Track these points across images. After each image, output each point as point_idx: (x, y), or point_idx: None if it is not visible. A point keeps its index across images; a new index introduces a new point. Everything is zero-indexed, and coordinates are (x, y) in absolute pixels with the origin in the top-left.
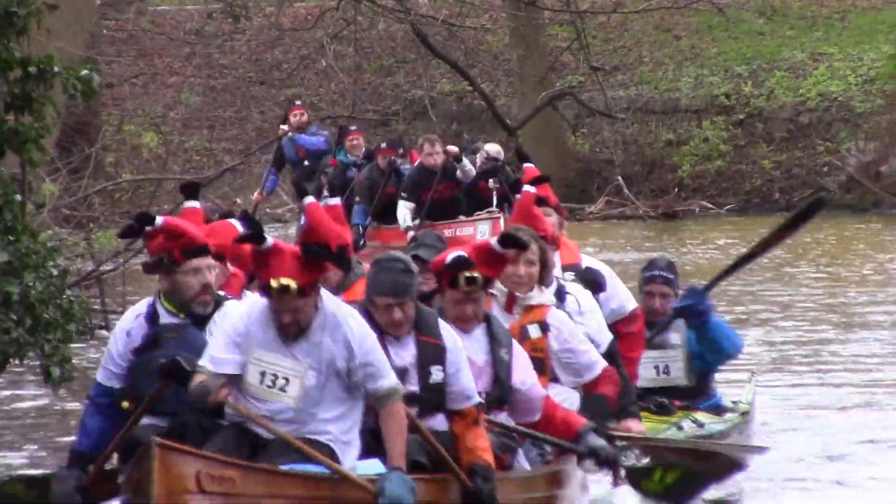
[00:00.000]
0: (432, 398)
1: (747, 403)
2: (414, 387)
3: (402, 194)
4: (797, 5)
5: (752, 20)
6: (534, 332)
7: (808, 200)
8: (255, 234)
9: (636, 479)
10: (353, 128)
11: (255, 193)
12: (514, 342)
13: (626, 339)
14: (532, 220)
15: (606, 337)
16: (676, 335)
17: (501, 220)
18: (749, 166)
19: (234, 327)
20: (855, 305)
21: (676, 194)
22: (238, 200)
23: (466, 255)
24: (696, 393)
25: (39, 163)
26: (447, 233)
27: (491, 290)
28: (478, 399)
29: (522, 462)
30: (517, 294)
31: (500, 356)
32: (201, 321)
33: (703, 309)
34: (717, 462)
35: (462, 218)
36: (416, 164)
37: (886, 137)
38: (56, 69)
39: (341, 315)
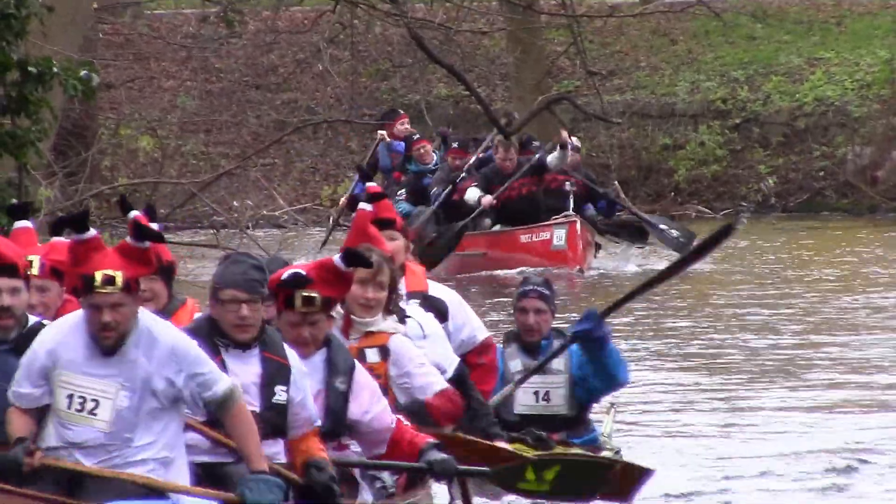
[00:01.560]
0: (272, 419)
1: (607, 437)
2: (254, 406)
3: (474, 184)
4: (793, 10)
5: (748, 25)
6: (372, 356)
7: (720, 226)
8: (76, 219)
9: (509, 481)
10: (416, 136)
11: (342, 199)
12: (360, 369)
13: (477, 370)
14: (368, 242)
15: (452, 361)
16: (559, 360)
17: (578, 224)
18: (745, 171)
19: (37, 354)
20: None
21: (672, 199)
22: (235, 204)
23: (304, 272)
24: (576, 424)
25: (36, 166)
26: (523, 238)
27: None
28: (318, 423)
29: (366, 497)
30: (355, 318)
31: (336, 386)
32: (19, 346)
33: (601, 335)
34: (603, 465)
35: (541, 222)
36: (491, 164)
37: (883, 142)
38: (55, 70)
39: (157, 330)
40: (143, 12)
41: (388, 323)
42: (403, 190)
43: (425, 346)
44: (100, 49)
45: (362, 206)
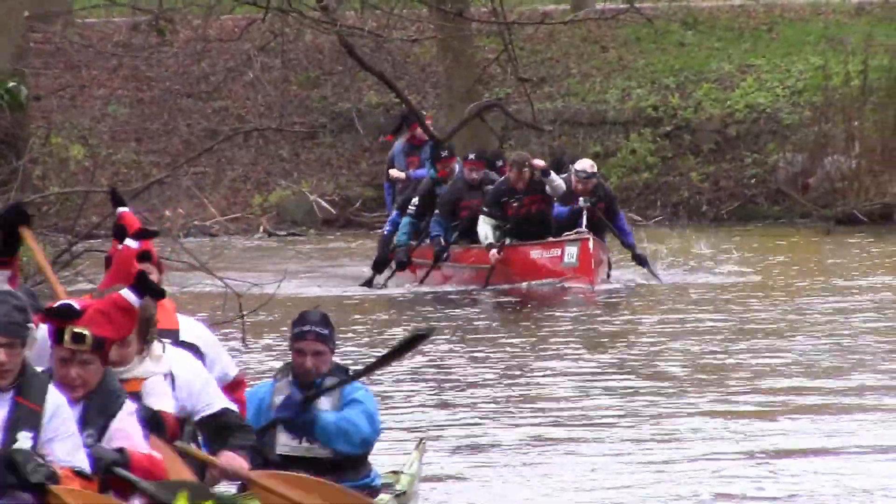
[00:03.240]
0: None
1: (411, 475)
2: None
3: (484, 209)
4: (724, 16)
5: (679, 31)
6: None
7: (415, 332)
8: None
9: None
10: (446, 152)
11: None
12: (125, 412)
13: None
14: (130, 280)
15: (215, 398)
16: (327, 399)
17: (591, 242)
18: (677, 178)
19: None
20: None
21: None
22: (167, 213)
23: (77, 304)
24: (346, 467)
25: None
26: (533, 254)
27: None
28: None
29: None
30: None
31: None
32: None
33: (304, 422)
34: None
35: (550, 239)
36: (502, 178)
37: (814, 149)
38: None
39: None
40: (75, 21)
41: (144, 367)
42: (417, 199)
43: (180, 384)
44: (31, 58)
45: (128, 242)
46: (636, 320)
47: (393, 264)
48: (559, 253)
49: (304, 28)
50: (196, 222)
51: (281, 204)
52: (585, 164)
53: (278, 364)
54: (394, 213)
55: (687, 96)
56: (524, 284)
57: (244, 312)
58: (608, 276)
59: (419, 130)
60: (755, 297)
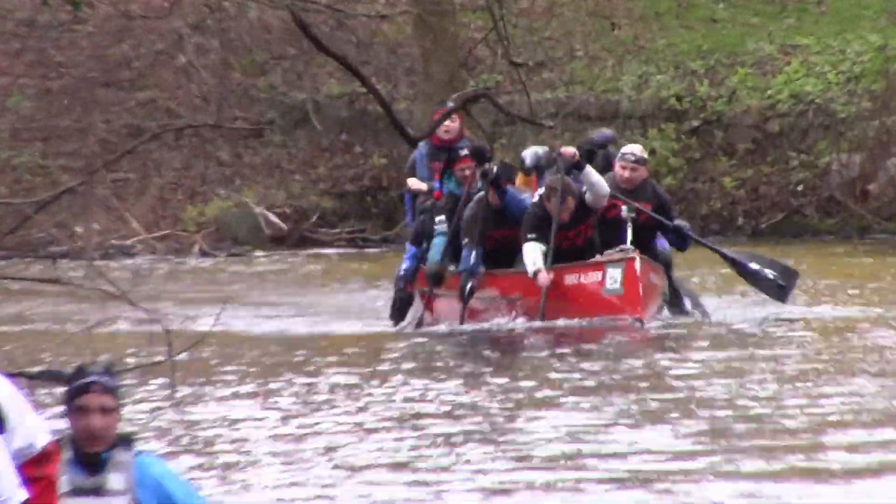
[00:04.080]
0: None
1: None
2: None
3: (529, 236)
4: None
5: (708, 5)
6: None
7: None
8: None
9: None
10: (464, 152)
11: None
12: None
13: (36, 485)
14: None
15: (10, 487)
16: (119, 476)
17: (637, 262)
18: (706, 184)
19: None
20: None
21: None
22: (78, 230)
23: None
24: None
25: None
26: (569, 279)
27: None
28: None
29: None
30: None
31: None
32: None
33: None
34: None
35: (593, 259)
36: (534, 201)
37: (875, 148)
38: None
39: None
40: None
41: None
42: (443, 216)
43: None
44: None
45: None
46: (686, 361)
47: (419, 290)
48: (600, 277)
49: (248, 2)
50: (115, 241)
51: (220, 218)
52: (635, 148)
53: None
54: (409, 248)
55: (718, 84)
56: (559, 322)
57: (174, 353)
58: (661, 307)
59: (446, 127)
60: (811, 333)
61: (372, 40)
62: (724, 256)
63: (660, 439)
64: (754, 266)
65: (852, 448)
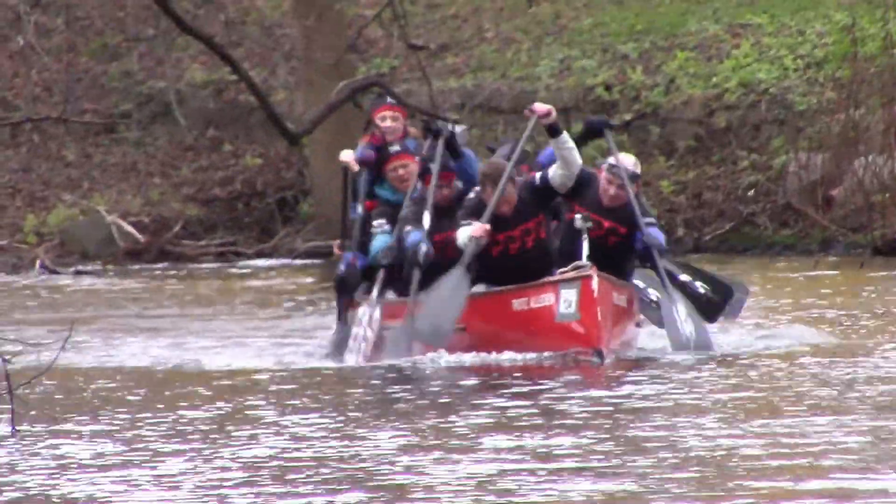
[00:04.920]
0: None
1: None
2: None
3: (464, 222)
4: None
5: None
6: None
7: None
8: None
9: None
10: (395, 148)
11: (335, 246)
12: None
13: None
14: None
15: None
16: None
17: (595, 281)
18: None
19: None
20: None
21: None
22: None
23: None
24: None
25: None
26: (516, 304)
27: None
28: None
29: None
30: None
31: None
32: None
33: None
34: None
35: (543, 279)
36: (473, 200)
37: (840, 147)
38: None
39: None
40: None
41: None
42: (382, 220)
43: None
44: None
45: None
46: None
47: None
48: (552, 300)
49: None
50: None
51: (65, 228)
52: (627, 160)
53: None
54: (346, 253)
55: (654, 71)
56: (503, 356)
57: (14, 386)
58: (638, 329)
59: (376, 121)
60: (762, 362)
61: (244, 19)
62: (658, 272)
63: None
64: (684, 277)
65: (801, 494)
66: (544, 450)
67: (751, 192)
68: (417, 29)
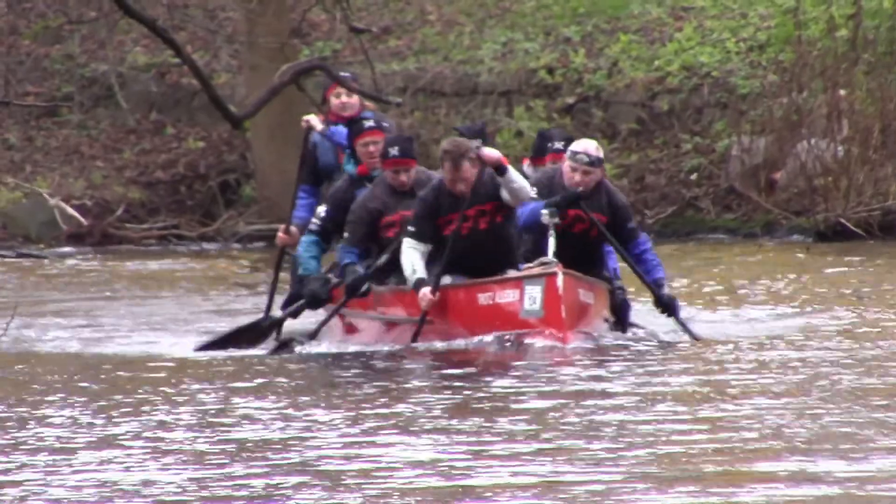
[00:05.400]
0: None
1: None
2: None
3: (409, 228)
4: None
5: None
6: None
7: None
8: None
9: None
10: (369, 123)
11: (280, 231)
12: None
13: None
14: None
15: None
16: None
17: (560, 278)
18: None
19: None
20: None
21: None
22: None
23: None
24: None
25: None
26: (482, 298)
27: None
28: None
29: None
30: None
31: None
32: None
33: None
34: None
35: (508, 273)
36: (433, 182)
37: (783, 130)
38: None
39: None
40: None
41: None
42: (322, 209)
43: None
44: None
45: None
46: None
47: (299, 303)
48: (516, 296)
49: None
50: None
51: (8, 211)
52: (588, 145)
53: None
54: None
55: (597, 54)
56: (463, 343)
57: None
58: (607, 325)
59: (332, 101)
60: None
61: (186, 2)
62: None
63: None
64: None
65: (757, 478)
66: (500, 433)
67: (693, 176)
68: (360, 12)
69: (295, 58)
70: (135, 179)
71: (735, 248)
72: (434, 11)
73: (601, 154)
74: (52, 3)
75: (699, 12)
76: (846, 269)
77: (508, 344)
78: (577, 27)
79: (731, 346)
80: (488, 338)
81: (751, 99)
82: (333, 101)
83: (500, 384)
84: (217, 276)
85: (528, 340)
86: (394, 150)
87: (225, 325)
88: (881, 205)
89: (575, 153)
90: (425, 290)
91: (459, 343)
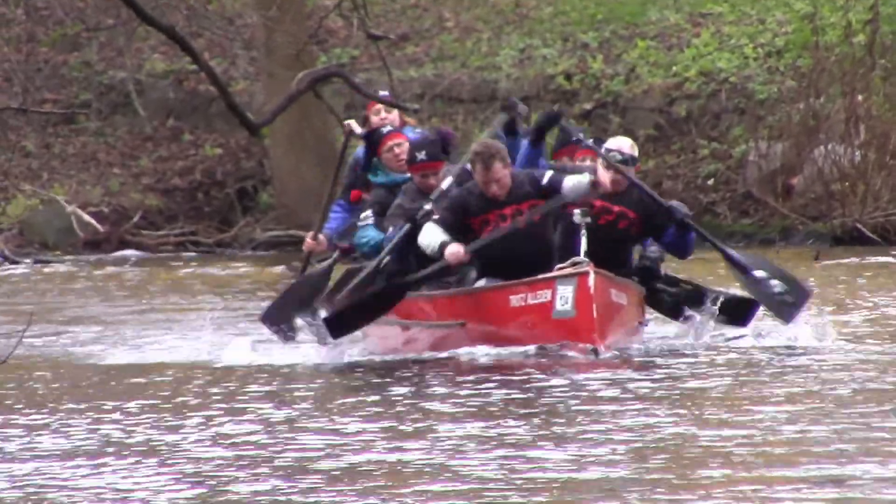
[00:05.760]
0: None
1: None
2: None
3: (434, 216)
4: None
5: None
6: None
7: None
8: None
9: None
10: (387, 128)
11: (308, 237)
12: None
13: None
14: None
15: None
16: None
17: (592, 278)
18: None
19: None
20: None
21: None
22: None
23: None
24: None
25: None
26: (514, 300)
27: None
28: None
29: None
30: None
31: None
32: None
33: None
34: None
35: (542, 275)
36: (468, 184)
37: (800, 135)
38: None
39: None
40: None
41: None
42: (370, 211)
43: None
44: None
45: None
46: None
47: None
48: (548, 297)
49: None
50: None
51: (25, 218)
52: (623, 143)
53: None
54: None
55: (615, 60)
56: (493, 352)
57: None
58: (641, 327)
59: (371, 116)
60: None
61: (205, 8)
62: (726, 255)
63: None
64: (760, 274)
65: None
66: (512, 438)
67: (710, 181)
68: (377, 18)
69: (312, 65)
70: (152, 186)
71: (753, 252)
72: (451, 18)
73: (635, 152)
74: (70, 10)
75: (717, 18)
76: (862, 274)
77: (541, 358)
78: (595, 33)
79: (751, 353)
80: (519, 349)
81: (768, 104)
82: (373, 118)
83: (520, 389)
84: (233, 282)
85: (561, 352)
86: (421, 155)
87: (231, 332)
88: None
89: (608, 150)
90: (455, 245)
91: (491, 351)
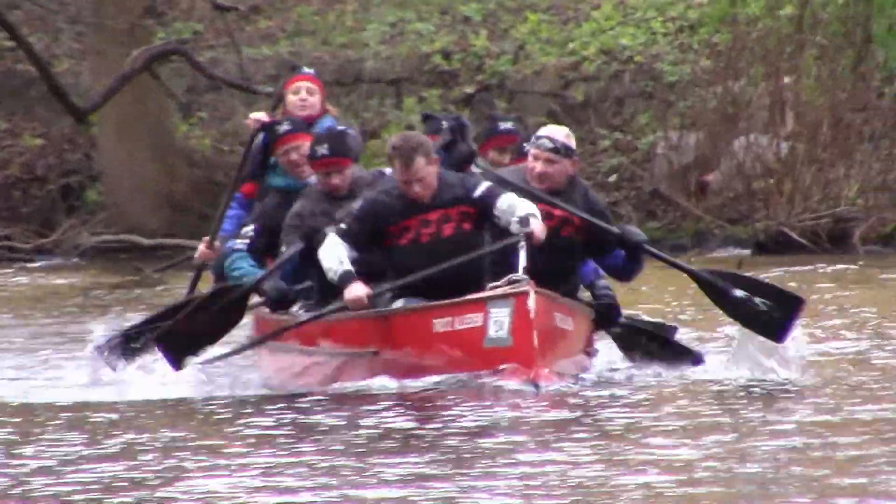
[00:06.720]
0: None
1: None
2: None
3: (340, 226)
4: None
5: None
6: None
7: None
8: None
9: None
10: (286, 126)
11: (201, 244)
12: None
13: None
14: None
15: None
16: None
17: (531, 298)
18: None
19: None
20: None
21: None
22: None
23: None
24: None
25: None
26: (438, 325)
27: None
28: None
29: None
30: None
31: None
32: None
33: None
34: None
35: (471, 296)
36: (386, 184)
37: (717, 124)
38: None
39: None
40: None
41: None
42: (251, 228)
43: None
44: None
45: None
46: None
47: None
48: (481, 321)
49: None
50: None
51: None
52: (555, 132)
53: None
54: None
55: (501, 36)
56: (416, 382)
57: None
58: (589, 357)
59: (289, 98)
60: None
61: None
62: (697, 277)
63: None
64: (739, 294)
65: None
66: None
67: (612, 178)
68: None
69: (148, 41)
70: None
71: (658, 262)
72: None
73: (571, 143)
74: None
75: None
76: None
77: (469, 387)
78: (478, 5)
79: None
80: (443, 378)
81: (680, 88)
82: (291, 97)
83: (456, 427)
84: (53, 295)
85: (494, 383)
86: (322, 149)
87: (63, 354)
88: (831, 211)
89: (538, 138)
90: (358, 286)
91: (408, 383)
